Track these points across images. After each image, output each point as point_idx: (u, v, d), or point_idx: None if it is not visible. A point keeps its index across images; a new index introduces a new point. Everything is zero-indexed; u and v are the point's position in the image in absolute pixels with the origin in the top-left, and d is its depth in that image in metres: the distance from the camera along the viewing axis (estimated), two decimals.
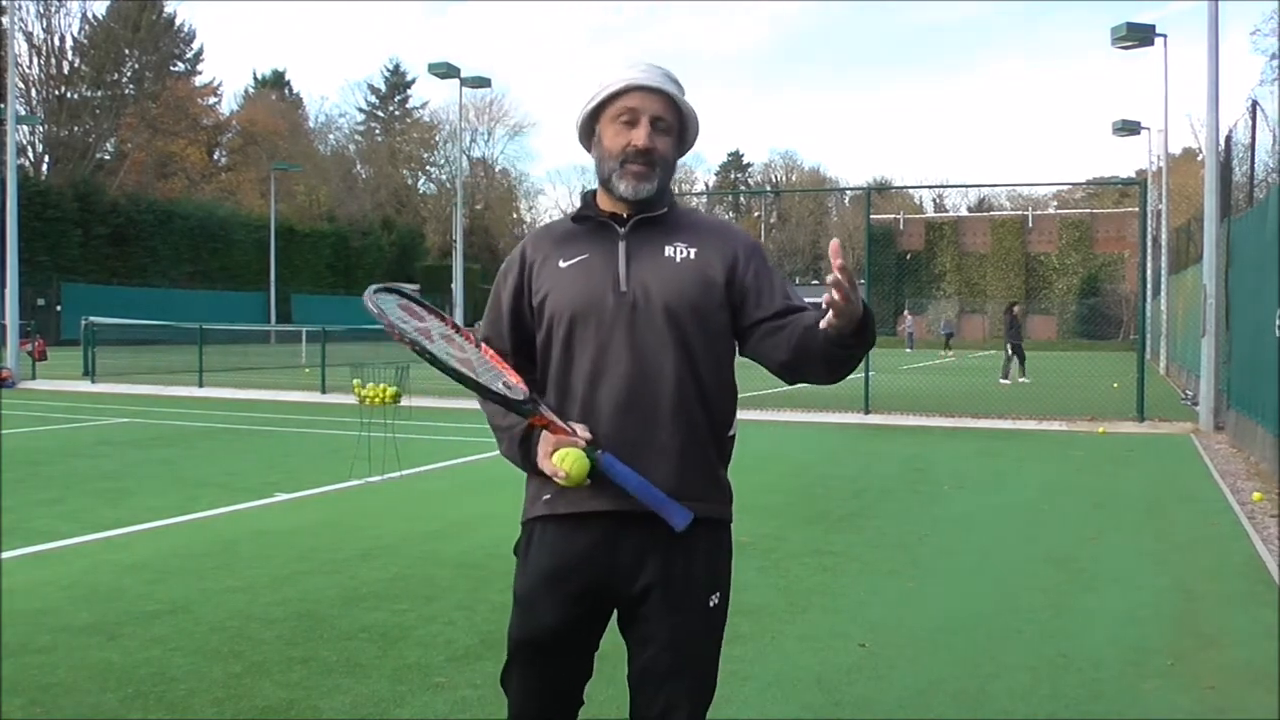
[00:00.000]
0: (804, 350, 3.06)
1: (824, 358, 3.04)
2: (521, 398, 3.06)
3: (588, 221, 3.27)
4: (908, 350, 60.95)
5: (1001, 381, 31.10)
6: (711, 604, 3.17)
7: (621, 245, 3.19)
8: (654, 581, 3.09)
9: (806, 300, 3.17)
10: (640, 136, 3.15)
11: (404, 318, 3.20)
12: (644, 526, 3.05)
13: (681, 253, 3.19)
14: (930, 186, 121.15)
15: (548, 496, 3.15)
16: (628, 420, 3.09)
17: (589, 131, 3.30)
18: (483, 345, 3.28)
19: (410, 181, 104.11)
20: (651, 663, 3.11)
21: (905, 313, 70.03)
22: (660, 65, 3.26)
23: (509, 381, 3.13)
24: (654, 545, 3.08)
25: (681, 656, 3.11)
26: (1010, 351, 32.73)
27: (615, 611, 3.22)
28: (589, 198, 3.32)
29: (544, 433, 3.10)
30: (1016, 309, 34.83)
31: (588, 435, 3.03)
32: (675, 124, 3.24)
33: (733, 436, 3.31)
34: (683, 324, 3.12)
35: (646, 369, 3.09)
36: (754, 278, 3.21)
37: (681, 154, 3.34)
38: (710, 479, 3.19)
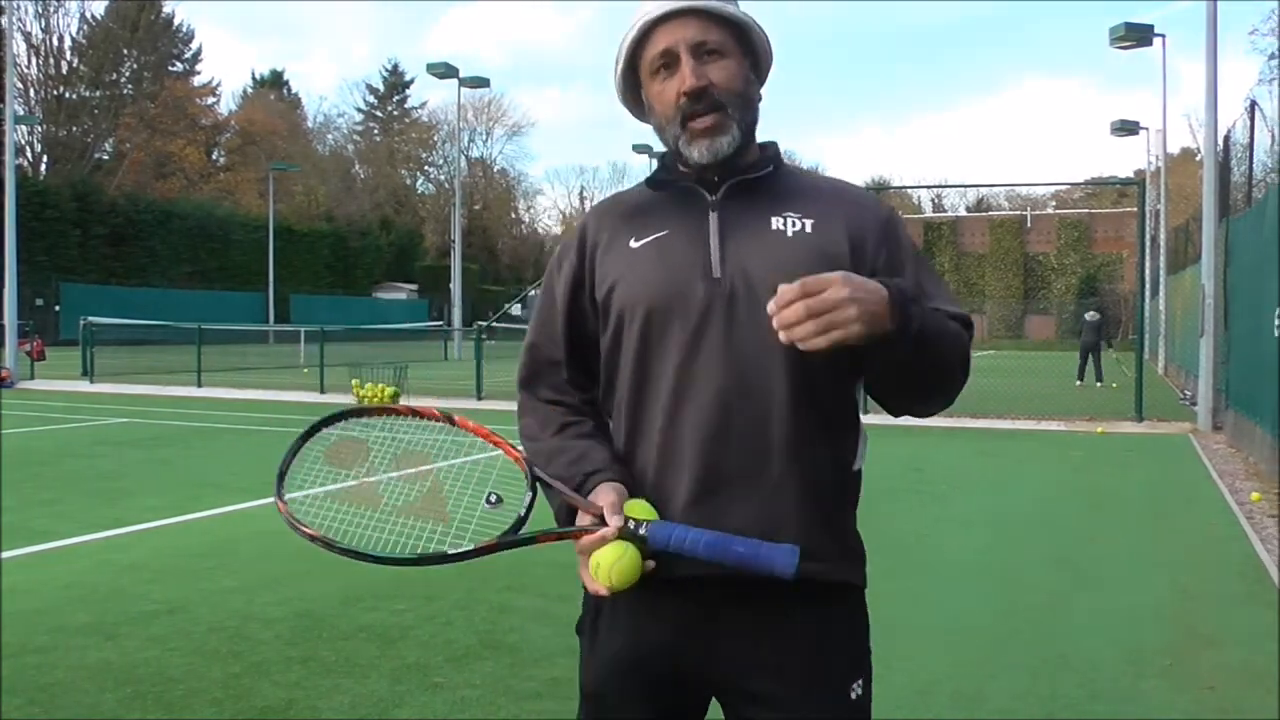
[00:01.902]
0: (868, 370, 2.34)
1: (876, 381, 2.37)
2: (512, 524, 2.32)
3: (666, 187, 2.48)
4: None
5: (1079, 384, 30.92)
6: (854, 695, 2.44)
7: (713, 217, 2.39)
8: (773, 670, 2.32)
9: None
10: (686, 76, 2.32)
11: (327, 475, 2.57)
12: (753, 593, 2.28)
13: (794, 224, 2.38)
14: (928, 186, 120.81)
15: None
16: (723, 453, 2.29)
17: (638, 101, 2.52)
18: (480, 431, 2.51)
19: (409, 181, 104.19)
20: None
21: None
22: None
23: (493, 496, 2.37)
24: (768, 620, 2.31)
25: None
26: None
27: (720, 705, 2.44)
28: (668, 159, 2.50)
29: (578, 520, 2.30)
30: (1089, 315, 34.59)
31: (616, 522, 2.20)
32: (731, 42, 2.38)
33: (859, 471, 2.49)
34: None
35: (748, 382, 2.29)
36: (886, 263, 2.38)
37: (760, 78, 2.48)
38: (837, 529, 2.40)
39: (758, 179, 2.42)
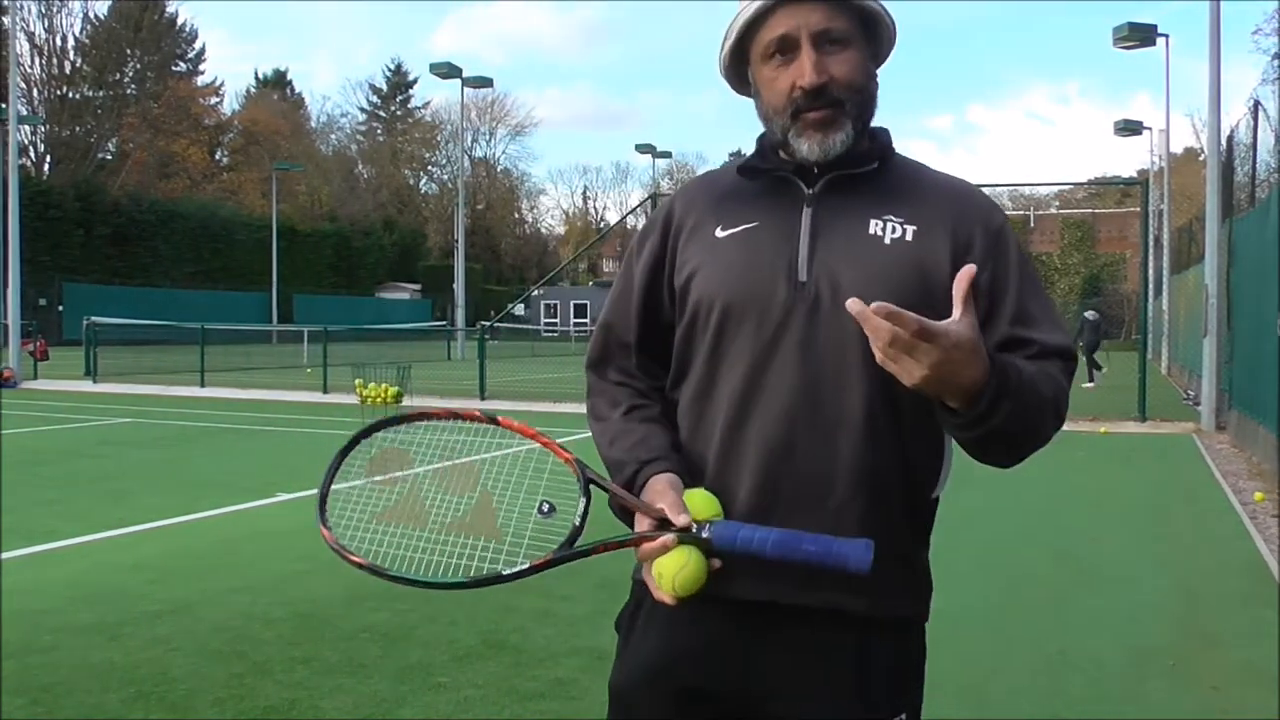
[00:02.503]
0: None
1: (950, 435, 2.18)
2: (567, 536, 2.15)
3: (760, 176, 2.30)
4: None
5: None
6: None
7: (806, 213, 2.22)
8: (811, 697, 2.19)
9: None
10: (806, 71, 2.14)
11: (370, 493, 2.48)
12: (802, 624, 2.18)
13: (894, 230, 2.20)
14: None
15: None
16: (784, 470, 2.15)
17: (742, 79, 2.35)
18: (526, 430, 2.29)
19: (412, 181, 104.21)
20: None
21: None
22: None
23: (545, 505, 2.26)
24: (814, 645, 2.20)
25: None
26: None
27: None
28: (766, 145, 2.32)
29: (638, 520, 2.15)
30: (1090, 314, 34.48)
31: (682, 519, 2.05)
32: (855, 30, 2.20)
33: (936, 499, 2.36)
34: None
35: (820, 397, 2.15)
36: (989, 281, 2.17)
37: (880, 63, 2.31)
38: (902, 562, 2.29)
39: (862, 174, 2.25)
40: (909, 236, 2.18)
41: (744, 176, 2.32)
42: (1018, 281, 2.20)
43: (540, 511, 2.23)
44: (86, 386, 28.94)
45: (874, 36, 2.25)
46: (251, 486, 11.97)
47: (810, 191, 2.23)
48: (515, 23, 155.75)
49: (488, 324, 33.10)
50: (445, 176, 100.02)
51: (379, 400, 20.06)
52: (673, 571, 2.04)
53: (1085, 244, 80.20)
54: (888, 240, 2.17)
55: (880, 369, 1.97)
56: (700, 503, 2.12)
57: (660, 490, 2.14)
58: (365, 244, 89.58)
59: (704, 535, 2.04)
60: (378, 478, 2.48)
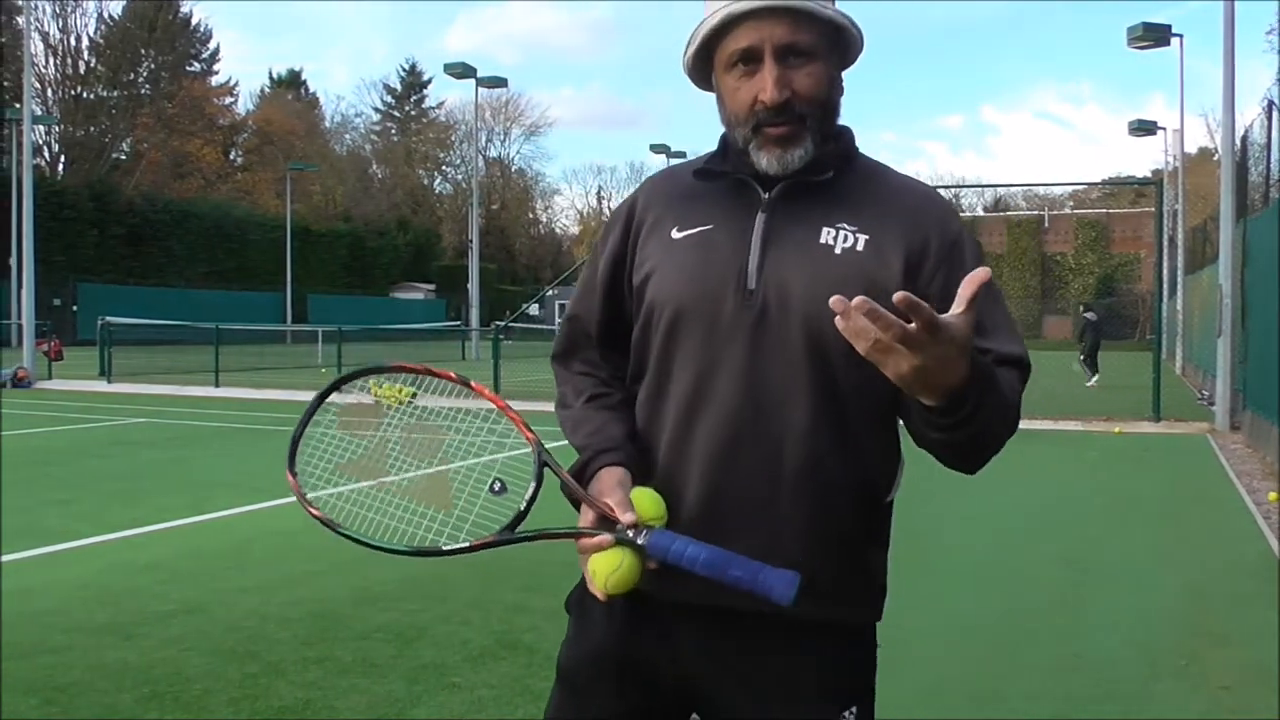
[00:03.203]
0: (904, 412, 2.16)
1: (918, 436, 2.12)
2: (510, 520, 2.19)
3: (719, 179, 2.30)
4: None
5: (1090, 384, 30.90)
6: None
7: (760, 219, 2.21)
8: (760, 694, 2.21)
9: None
10: (768, 86, 2.13)
11: (338, 444, 2.51)
12: (751, 626, 2.18)
13: (846, 239, 2.18)
14: (945, 186, 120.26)
15: None
16: (729, 476, 2.16)
17: (706, 78, 2.32)
18: (496, 400, 2.36)
19: (426, 181, 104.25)
20: None
21: None
22: None
23: (498, 483, 2.23)
24: (766, 645, 2.20)
25: None
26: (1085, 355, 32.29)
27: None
28: (728, 148, 2.32)
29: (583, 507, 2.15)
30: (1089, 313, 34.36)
31: (627, 517, 2.07)
32: (820, 42, 2.18)
33: (891, 503, 2.33)
34: (829, 347, 2.11)
35: (765, 404, 2.15)
36: (941, 289, 2.11)
37: (845, 67, 2.29)
38: (852, 565, 2.25)
39: (818, 183, 2.22)
40: (860, 246, 2.18)
41: (702, 179, 2.32)
42: (984, 294, 2.00)
43: (492, 489, 2.22)
44: (100, 386, 29.02)
45: (840, 45, 2.24)
46: (265, 487, 11.98)
47: (767, 196, 2.23)
48: (529, 22, 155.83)
49: (502, 324, 33.11)
50: (459, 176, 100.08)
51: (394, 401, 20.12)
52: (605, 572, 2.07)
53: (1099, 244, 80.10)
54: (838, 250, 2.17)
55: (828, 381, 2.10)
56: (646, 503, 2.13)
57: (609, 486, 2.15)
58: (380, 244, 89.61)
59: (639, 542, 2.05)
60: (348, 429, 2.50)
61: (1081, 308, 34.99)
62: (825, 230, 2.19)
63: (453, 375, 2.41)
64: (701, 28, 2.22)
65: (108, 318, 34.20)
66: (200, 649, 6.26)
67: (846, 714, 2.24)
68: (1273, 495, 11.77)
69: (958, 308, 1.81)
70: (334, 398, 2.45)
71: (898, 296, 1.72)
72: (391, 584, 7.63)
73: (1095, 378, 30.49)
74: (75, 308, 60.76)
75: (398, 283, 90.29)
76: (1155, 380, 20.51)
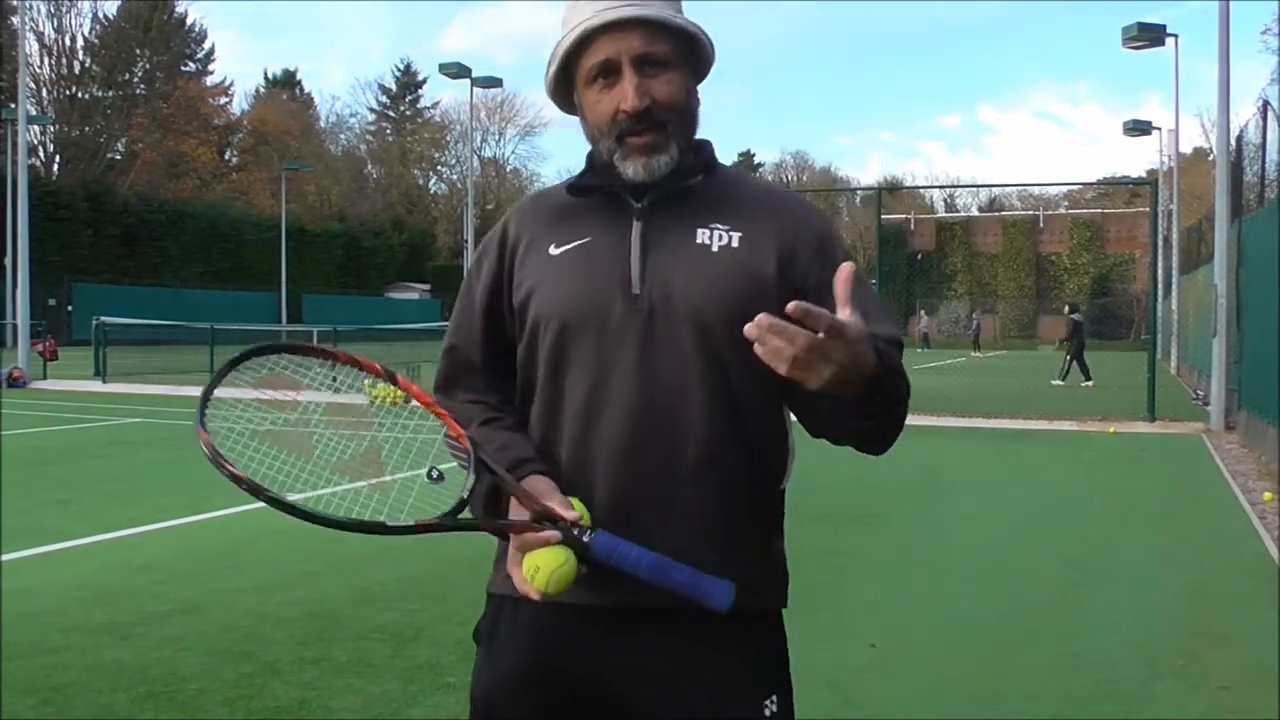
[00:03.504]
0: (808, 410, 2.23)
1: (835, 430, 2.23)
2: (453, 505, 2.18)
3: (592, 193, 2.37)
4: (920, 350, 60.85)
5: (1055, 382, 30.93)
6: (768, 713, 2.26)
7: (636, 228, 2.29)
8: (681, 692, 2.23)
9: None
10: (628, 95, 2.22)
11: (256, 414, 2.51)
12: (664, 624, 2.21)
13: (721, 238, 2.27)
14: (941, 186, 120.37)
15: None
16: (632, 476, 2.22)
17: (568, 100, 2.41)
18: (422, 396, 2.41)
19: (421, 182, 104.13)
20: None
21: (921, 313, 69.86)
22: None
23: (435, 471, 2.20)
24: (681, 644, 2.23)
25: None
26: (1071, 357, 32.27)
27: None
28: (596, 162, 2.39)
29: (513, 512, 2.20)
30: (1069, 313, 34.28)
31: (571, 514, 2.11)
32: (676, 52, 2.29)
33: (784, 491, 2.40)
34: (717, 342, 2.21)
35: (661, 404, 2.22)
36: (817, 282, 2.21)
37: (701, 80, 2.39)
38: (754, 554, 2.30)
39: (687, 188, 2.32)
40: (735, 243, 2.27)
41: (574, 195, 2.38)
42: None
43: (429, 476, 2.20)
44: (96, 386, 29.00)
45: (694, 56, 2.33)
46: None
47: (639, 206, 2.30)
48: (525, 22, 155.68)
49: None
50: (454, 176, 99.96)
51: (388, 400, 20.09)
52: (551, 567, 2.06)
53: (1094, 244, 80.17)
54: (715, 248, 2.26)
55: (719, 375, 2.20)
56: (577, 510, 2.14)
57: (544, 489, 2.17)
58: (374, 244, 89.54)
59: (585, 540, 2.08)
60: (265, 395, 2.50)
61: (1067, 308, 34.83)
62: (700, 231, 2.28)
63: (379, 369, 2.43)
64: (560, 46, 2.29)
65: (103, 318, 34.08)
66: (197, 649, 6.26)
67: (768, 703, 2.27)
68: (1268, 495, 11.77)
69: (842, 306, 1.90)
70: (251, 361, 2.47)
71: (791, 307, 1.80)
72: (391, 584, 7.63)
73: (1088, 382, 30.53)
74: (70, 308, 60.67)
75: (393, 283, 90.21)
76: (1150, 380, 20.52)
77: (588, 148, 2.37)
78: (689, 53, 2.32)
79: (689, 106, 2.32)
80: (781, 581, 2.38)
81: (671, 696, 2.22)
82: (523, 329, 2.34)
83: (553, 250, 2.32)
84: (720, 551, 2.19)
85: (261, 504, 2.12)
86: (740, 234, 2.28)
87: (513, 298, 2.36)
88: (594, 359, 2.24)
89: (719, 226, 2.28)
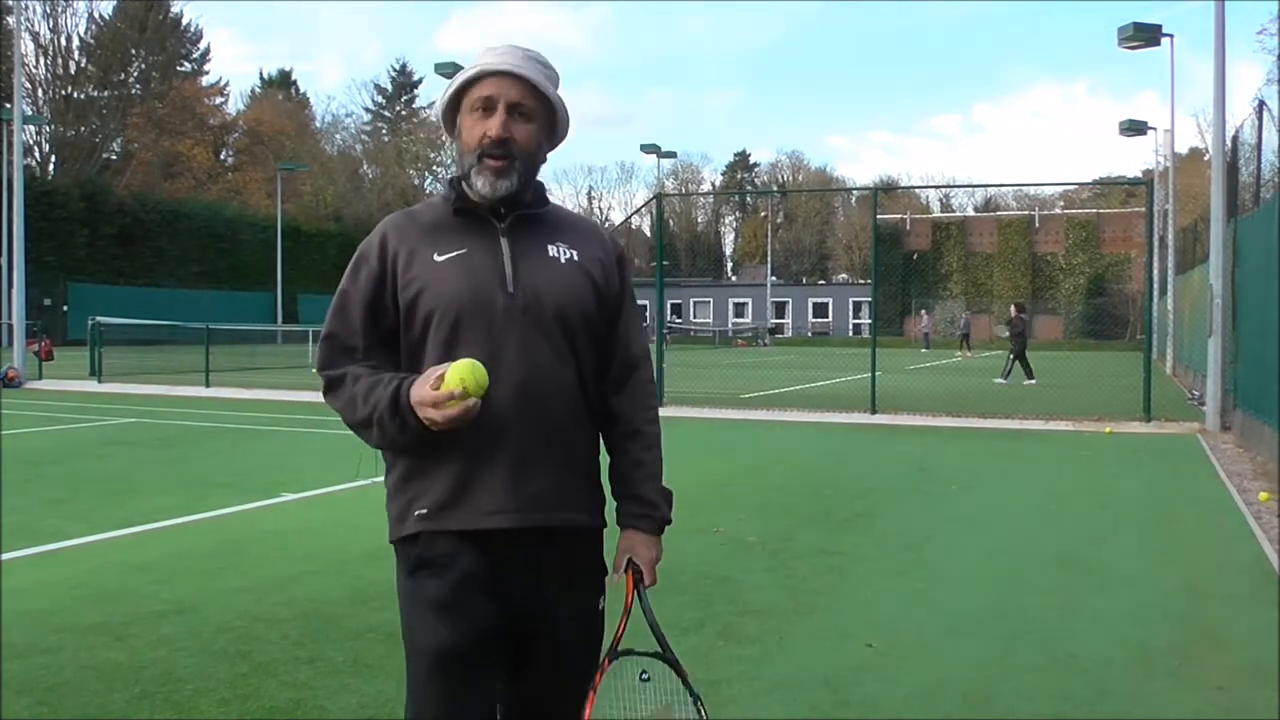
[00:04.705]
0: (608, 442, 3.22)
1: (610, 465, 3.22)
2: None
3: (467, 215, 3.05)
4: (922, 350, 60.88)
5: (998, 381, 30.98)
6: (600, 607, 3.16)
7: (504, 242, 3.02)
8: (555, 592, 3.02)
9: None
10: (495, 126, 2.95)
11: None
12: (545, 541, 2.99)
13: (565, 253, 3.07)
14: (937, 186, 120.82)
15: (422, 511, 2.98)
16: (519, 429, 2.93)
17: (452, 123, 3.11)
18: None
19: (417, 182, 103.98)
20: (553, 664, 3.06)
21: (922, 313, 69.85)
22: (527, 48, 3.05)
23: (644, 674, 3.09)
24: (558, 556, 3.03)
25: (586, 660, 3.05)
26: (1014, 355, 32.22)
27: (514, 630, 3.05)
28: (457, 185, 3.09)
29: (415, 379, 2.86)
30: (1017, 312, 34.18)
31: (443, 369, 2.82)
32: (540, 111, 3.03)
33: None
34: (572, 329, 3.02)
35: (540, 374, 2.96)
36: (618, 289, 3.17)
37: (552, 146, 3.14)
38: (599, 488, 3.15)
39: (536, 214, 3.09)
40: (575, 257, 3.08)
41: (451, 213, 3.06)
42: (630, 296, 3.22)
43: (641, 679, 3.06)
44: (91, 386, 28.97)
45: (552, 123, 3.10)
46: (256, 487, 11.99)
47: (501, 226, 3.04)
48: (520, 21, 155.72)
49: None
50: (450, 176, 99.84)
51: None
52: (460, 373, 2.74)
53: (1090, 244, 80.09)
54: (563, 260, 3.06)
55: (575, 355, 3.03)
56: (466, 370, 2.77)
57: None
58: None
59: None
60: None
61: (1014, 307, 34.57)
62: (550, 247, 3.07)
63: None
64: (458, 78, 3.03)
65: (98, 318, 34.02)
66: (191, 649, 6.26)
67: (601, 600, 3.15)
68: (1264, 495, 11.78)
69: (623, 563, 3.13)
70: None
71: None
72: (385, 584, 7.59)
73: (1031, 380, 30.53)
74: (66, 308, 60.63)
75: None
76: (1146, 380, 20.49)
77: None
78: (549, 118, 3.07)
79: (536, 154, 3.05)
80: (604, 505, 3.18)
81: (560, 592, 3.04)
82: (412, 319, 3.00)
83: (436, 257, 2.99)
84: (579, 488, 3.06)
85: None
86: (576, 251, 3.09)
87: (399, 294, 3.01)
88: (487, 340, 2.92)
89: (561, 245, 3.08)
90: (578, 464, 3.05)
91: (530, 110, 2.99)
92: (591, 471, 3.11)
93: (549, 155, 3.15)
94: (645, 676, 3.03)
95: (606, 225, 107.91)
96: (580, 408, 3.06)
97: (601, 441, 3.19)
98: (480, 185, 2.98)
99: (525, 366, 2.93)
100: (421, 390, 2.78)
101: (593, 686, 2.94)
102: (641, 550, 3.10)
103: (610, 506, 3.16)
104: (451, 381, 2.73)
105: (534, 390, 2.93)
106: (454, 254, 2.98)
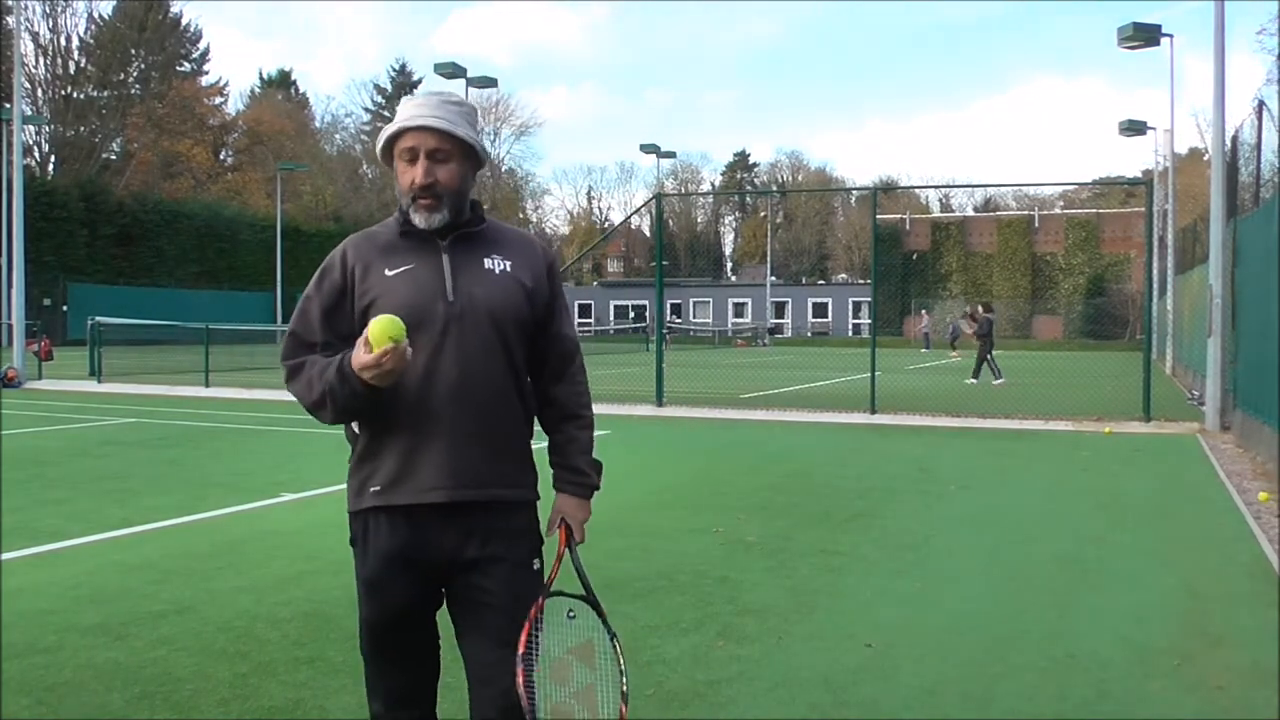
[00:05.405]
0: (542, 417, 3.75)
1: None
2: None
3: (413, 237, 3.53)
4: (923, 350, 60.87)
5: (969, 381, 30.97)
6: (535, 567, 3.60)
7: (445, 258, 3.50)
8: (490, 553, 3.48)
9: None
10: (419, 175, 3.42)
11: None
12: (481, 511, 3.48)
13: (499, 265, 3.55)
14: (936, 186, 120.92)
15: (376, 488, 3.48)
16: (456, 416, 3.43)
17: (389, 161, 3.54)
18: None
19: None
20: (491, 613, 3.50)
21: (922, 313, 69.83)
22: (442, 92, 3.56)
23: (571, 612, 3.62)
24: (492, 527, 3.49)
25: (518, 607, 3.46)
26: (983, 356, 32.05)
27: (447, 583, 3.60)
28: (407, 213, 3.53)
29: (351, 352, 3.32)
30: (979, 311, 33.97)
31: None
32: (456, 151, 3.48)
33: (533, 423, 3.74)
34: (505, 330, 3.50)
35: (474, 370, 3.44)
36: (549, 293, 3.66)
37: (478, 168, 3.61)
38: (529, 468, 3.64)
39: (474, 232, 3.57)
40: (509, 268, 3.57)
41: (400, 236, 3.54)
42: (560, 298, 3.71)
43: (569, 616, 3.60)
44: (91, 387, 28.99)
45: (472, 155, 3.53)
46: (256, 487, 12.02)
47: (443, 244, 3.52)
48: (520, 21, 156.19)
49: None
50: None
51: None
52: (382, 326, 3.20)
53: (1090, 244, 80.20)
54: (498, 271, 3.54)
55: (506, 352, 3.51)
56: (387, 325, 3.24)
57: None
58: None
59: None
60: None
61: (981, 307, 34.44)
62: (486, 260, 3.55)
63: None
64: (384, 132, 3.49)
65: (98, 317, 34.02)
66: (191, 649, 6.26)
67: (535, 561, 3.61)
68: (1263, 495, 11.78)
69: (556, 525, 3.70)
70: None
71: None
72: None
73: (999, 380, 30.51)
74: (65, 307, 60.64)
75: None
76: (1145, 380, 20.49)
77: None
78: (468, 153, 3.52)
79: (461, 185, 3.51)
80: (536, 482, 3.66)
81: (494, 558, 3.49)
82: (367, 321, 3.31)
83: (388, 272, 3.49)
84: (511, 465, 3.56)
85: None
86: (510, 262, 3.58)
87: (356, 302, 3.51)
88: (429, 342, 3.41)
89: (496, 257, 3.56)
90: (510, 446, 3.55)
91: (448, 152, 3.46)
92: (524, 452, 3.62)
93: (478, 174, 3.68)
94: (572, 614, 3.57)
95: (606, 225, 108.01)
96: (512, 398, 3.55)
97: (538, 424, 3.73)
98: (417, 220, 3.48)
99: (461, 363, 3.43)
100: (360, 357, 3.23)
101: (528, 618, 3.40)
102: (573, 511, 3.68)
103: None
104: (380, 342, 3.18)
105: (469, 383, 3.43)
106: (403, 269, 3.49)
